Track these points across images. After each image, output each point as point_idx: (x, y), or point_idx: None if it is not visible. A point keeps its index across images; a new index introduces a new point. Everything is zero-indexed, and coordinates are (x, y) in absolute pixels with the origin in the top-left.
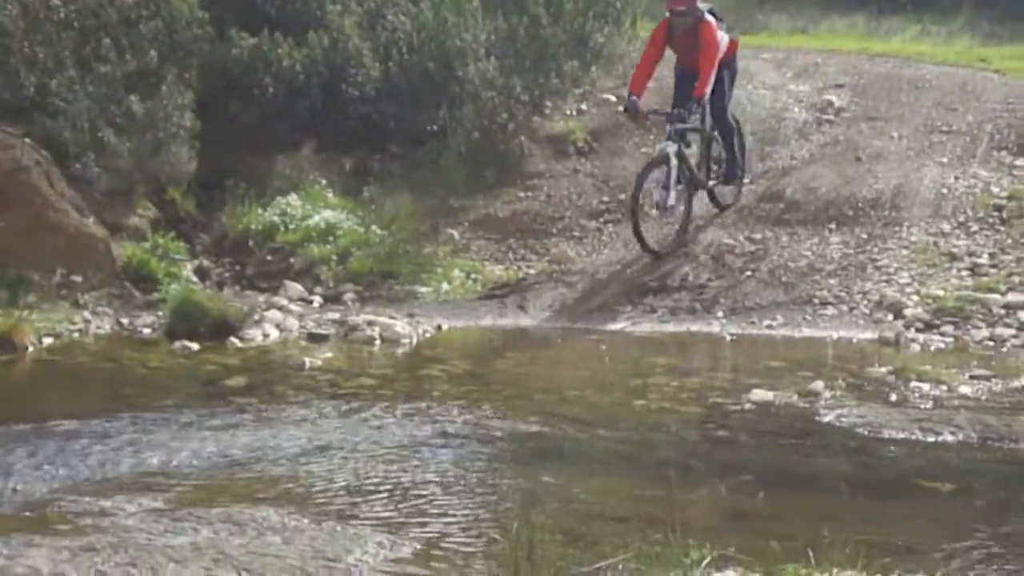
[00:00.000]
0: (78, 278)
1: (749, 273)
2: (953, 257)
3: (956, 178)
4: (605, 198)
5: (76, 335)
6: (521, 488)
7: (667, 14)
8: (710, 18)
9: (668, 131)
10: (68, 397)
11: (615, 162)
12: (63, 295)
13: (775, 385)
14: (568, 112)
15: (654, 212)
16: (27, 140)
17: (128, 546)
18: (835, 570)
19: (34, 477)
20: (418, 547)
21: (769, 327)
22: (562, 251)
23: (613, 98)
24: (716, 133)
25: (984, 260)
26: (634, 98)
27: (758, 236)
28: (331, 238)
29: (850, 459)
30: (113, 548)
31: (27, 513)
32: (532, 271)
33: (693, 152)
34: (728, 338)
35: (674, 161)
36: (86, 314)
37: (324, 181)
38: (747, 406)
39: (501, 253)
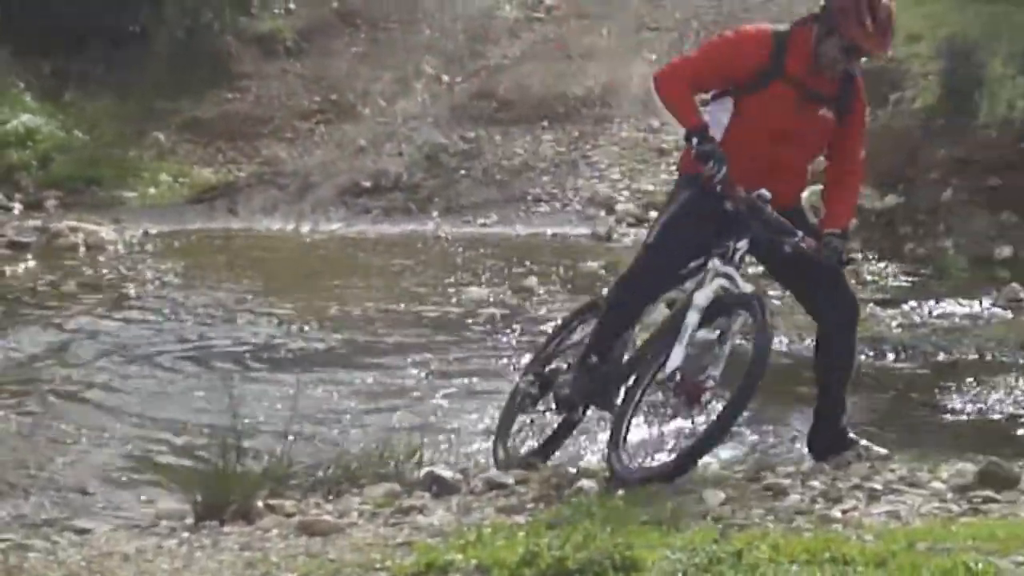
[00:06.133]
0: None
1: (463, 172)
2: (662, 152)
3: None
4: (316, 98)
5: None
6: (233, 390)
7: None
8: None
9: (730, 251)
10: None
11: (326, 62)
12: None
13: (490, 282)
14: (276, 11)
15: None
16: None
17: None
18: None
19: None
20: (129, 448)
21: (484, 225)
22: (273, 153)
23: None
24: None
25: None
26: (714, 145)
27: (471, 135)
28: (31, 143)
29: None
30: None
31: None
32: (242, 174)
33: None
34: (443, 237)
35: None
36: None
37: (22, 84)
38: (462, 303)
39: (210, 156)
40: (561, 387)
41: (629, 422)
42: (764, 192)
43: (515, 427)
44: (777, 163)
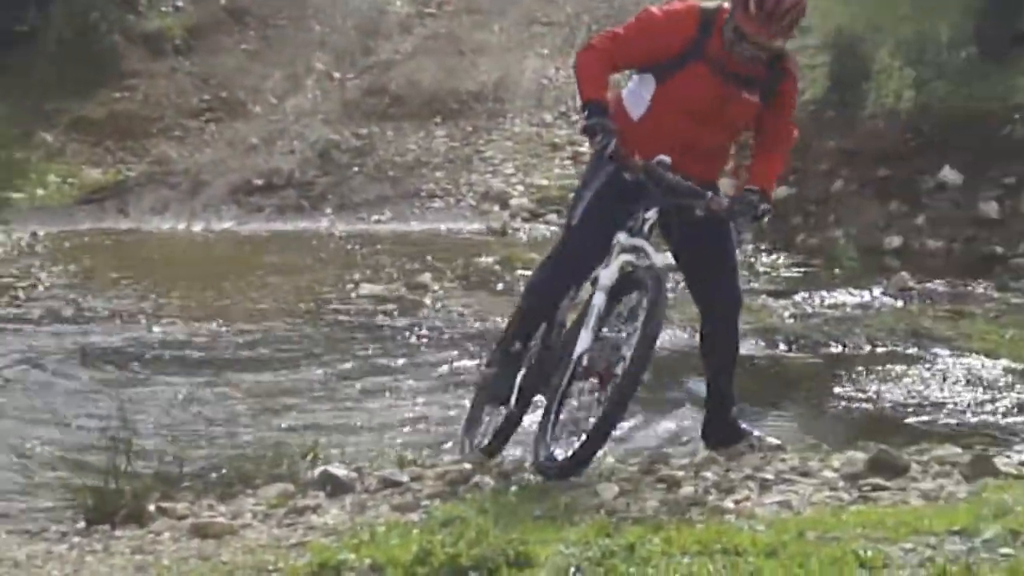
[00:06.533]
0: None
1: (356, 169)
2: (555, 147)
3: (557, 69)
4: (206, 96)
5: None
6: (121, 396)
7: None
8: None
9: (639, 222)
10: None
11: (215, 60)
12: None
13: (385, 279)
14: (164, 9)
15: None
16: None
17: None
18: None
19: None
20: (19, 453)
21: (378, 222)
22: (163, 152)
23: None
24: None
25: (585, 148)
26: (606, 115)
27: (364, 131)
28: None
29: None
30: None
31: None
32: (132, 173)
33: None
34: (337, 234)
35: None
36: None
37: None
38: (357, 301)
39: (98, 156)
40: (486, 380)
41: (555, 413)
42: (663, 158)
43: (482, 420)
44: (696, 142)
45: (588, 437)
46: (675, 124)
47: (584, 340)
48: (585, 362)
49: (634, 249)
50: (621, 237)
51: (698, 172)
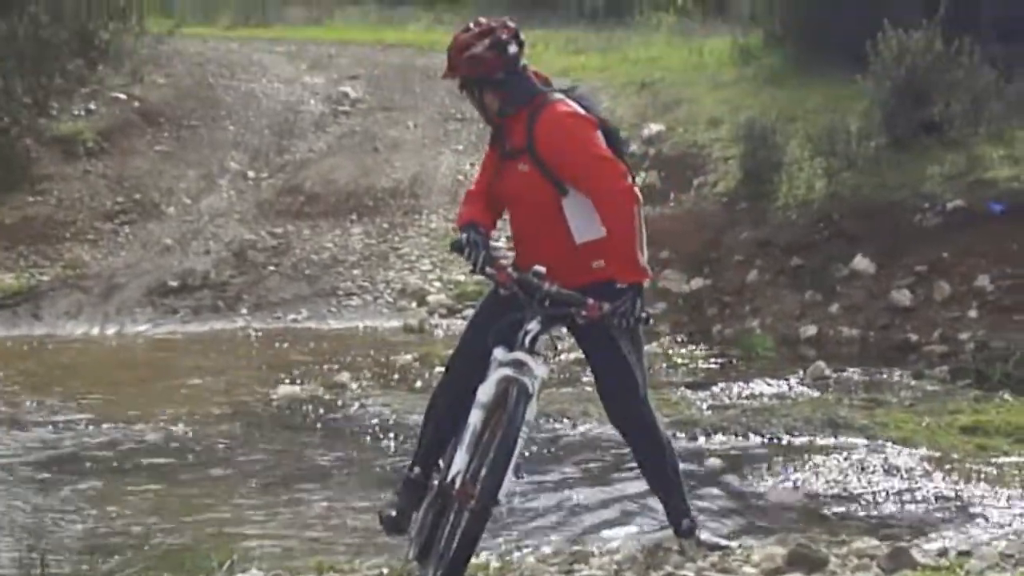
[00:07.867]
0: None
1: (272, 268)
2: None
3: (472, 164)
4: (120, 199)
5: None
6: (38, 504)
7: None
8: (565, 102)
9: (521, 335)
10: None
11: (128, 161)
12: None
13: (302, 379)
14: (76, 112)
15: None
16: None
17: None
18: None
19: None
20: None
21: (295, 321)
22: (76, 255)
23: (123, 96)
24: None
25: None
26: (475, 231)
27: (279, 230)
28: None
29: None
30: None
31: None
32: (45, 278)
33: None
34: (254, 335)
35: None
36: None
37: None
38: (275, 402)
39: (11, 261)
40: (383, 508)
41: (426, 535)
42: (538, 268)
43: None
44: (523, 235)
45: (447, 563)
46: (511, 220)
47: (459, 461)
48: (458, 484)
49: (514, 363)
50: (498, 353)
51: (564, 275)
